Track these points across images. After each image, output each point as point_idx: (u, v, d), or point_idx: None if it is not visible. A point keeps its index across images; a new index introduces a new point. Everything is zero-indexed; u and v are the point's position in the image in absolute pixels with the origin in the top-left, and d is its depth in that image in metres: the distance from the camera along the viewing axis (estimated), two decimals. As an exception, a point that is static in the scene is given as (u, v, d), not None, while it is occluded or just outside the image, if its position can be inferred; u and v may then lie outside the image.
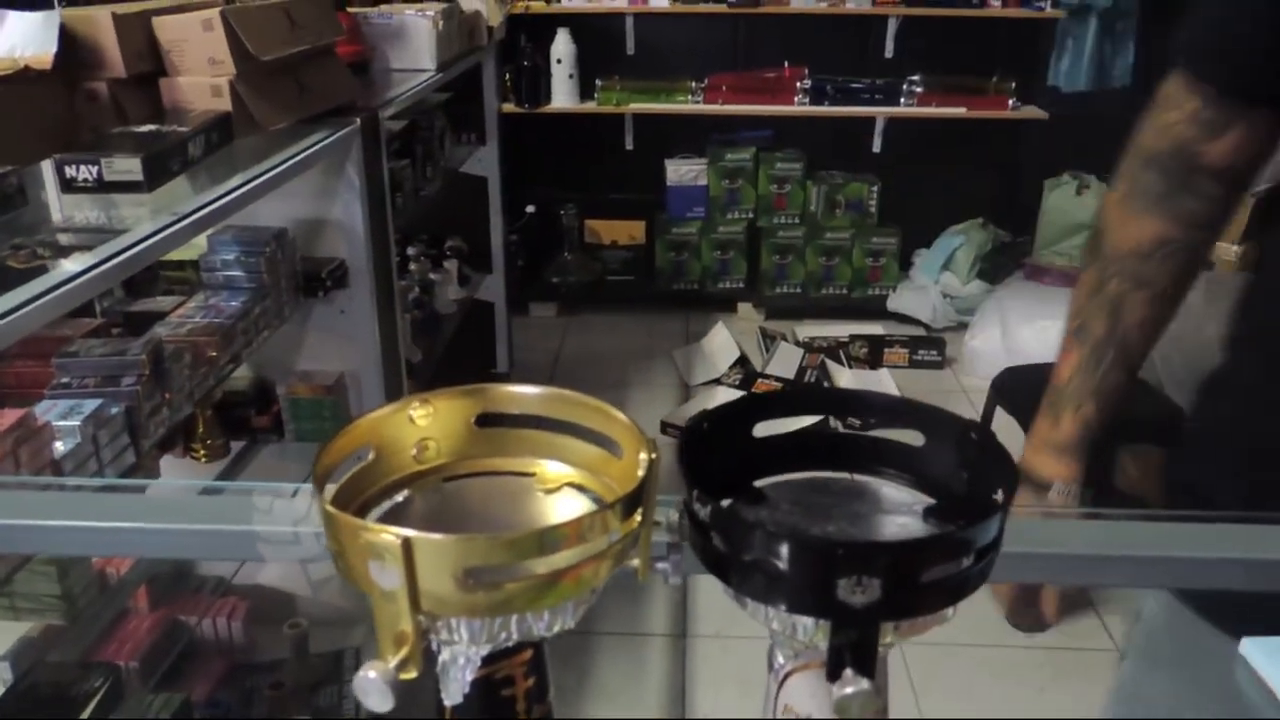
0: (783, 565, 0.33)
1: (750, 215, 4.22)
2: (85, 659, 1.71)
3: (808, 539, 0.32)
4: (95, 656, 1.80)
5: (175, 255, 2.01)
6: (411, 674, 0.34)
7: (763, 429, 0.44)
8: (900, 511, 0.40)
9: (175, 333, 1.57)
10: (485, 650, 0.37)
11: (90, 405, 1.27)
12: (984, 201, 4.17)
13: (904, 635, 0.35)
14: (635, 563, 0.39)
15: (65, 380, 1.34)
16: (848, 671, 0.33)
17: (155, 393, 1.39)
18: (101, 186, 1.35)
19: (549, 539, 0.33)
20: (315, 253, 2.03)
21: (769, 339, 3.84)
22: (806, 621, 0.35)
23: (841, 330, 3.85)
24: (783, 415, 0.42)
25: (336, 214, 2.01)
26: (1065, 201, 3.90)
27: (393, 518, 0.40)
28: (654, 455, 0.37)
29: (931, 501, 0.40)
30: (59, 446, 1.22)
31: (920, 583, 0.33)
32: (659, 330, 3.98)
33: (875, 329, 3.90)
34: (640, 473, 0.37)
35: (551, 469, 0.42)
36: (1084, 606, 2.36)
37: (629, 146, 4.24)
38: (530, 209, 4.22)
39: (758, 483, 0.41)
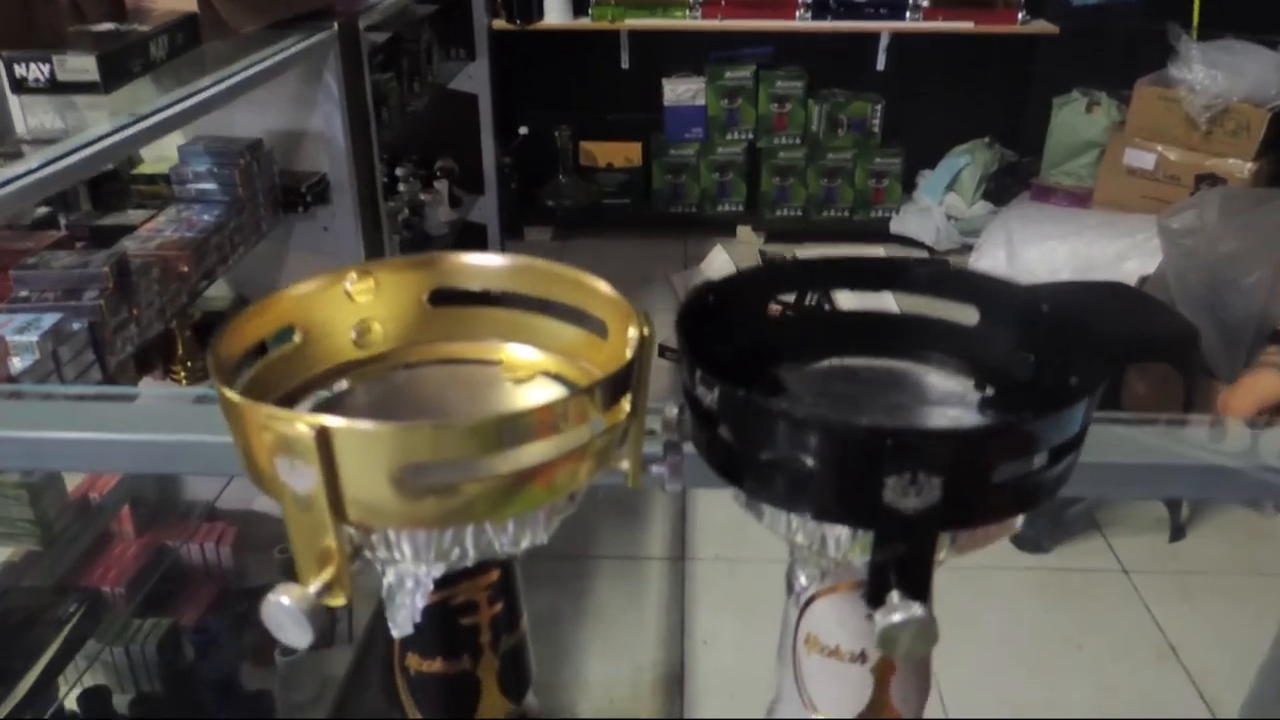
0: (813, 461, 0.25)
1: (750, 136, 4.09)
2: (66, 584, 1.66)
3: (847, 427, 0.25)
4: (79, 582, 1.75)
5: (147, 168, 1.91)
6: (339, 600, 0.27)
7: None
8: (949, 402, 0.32)
9: (144, 246, 1.49)
10: (439, 571, 0.30)
11: (50, 320, 1.19)
12: (990, 120, 4.05)
13: (962, 550, 0.28)
14: (624, 465, 0.31)
15: (24, 294, 1.26)
16: (894, 595, 0.26)
17: (121, 308, 1.31)
18: (54, 87, 1.25)
19: (512, 429, 0.26)
20: (295, 166, 1.94)
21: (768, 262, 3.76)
22: (840, 533, 0.27)
23: (843, 253, 3.76)
24: (805, 288, 0.34)
25: (316, 125, 1.91)
26: (1074, 119, 3.78)
27: (326, 412, 0.32)
28: (646, 331, 0.30)
29: (987, 391, 0.33)
30: (15, 363, 1.14)
31: (990, 483, 0.26)
32: (656, 254, 3.88)
33: (877, 252, 3.81)
34: (629, 352, 0.29)
35: (522, 355, 0.35)
36: (1089, 527, 2.32)
37: (624, 65, 4.09)
38: (523, 130, 4.10)
39: (774, 370, 0.34)
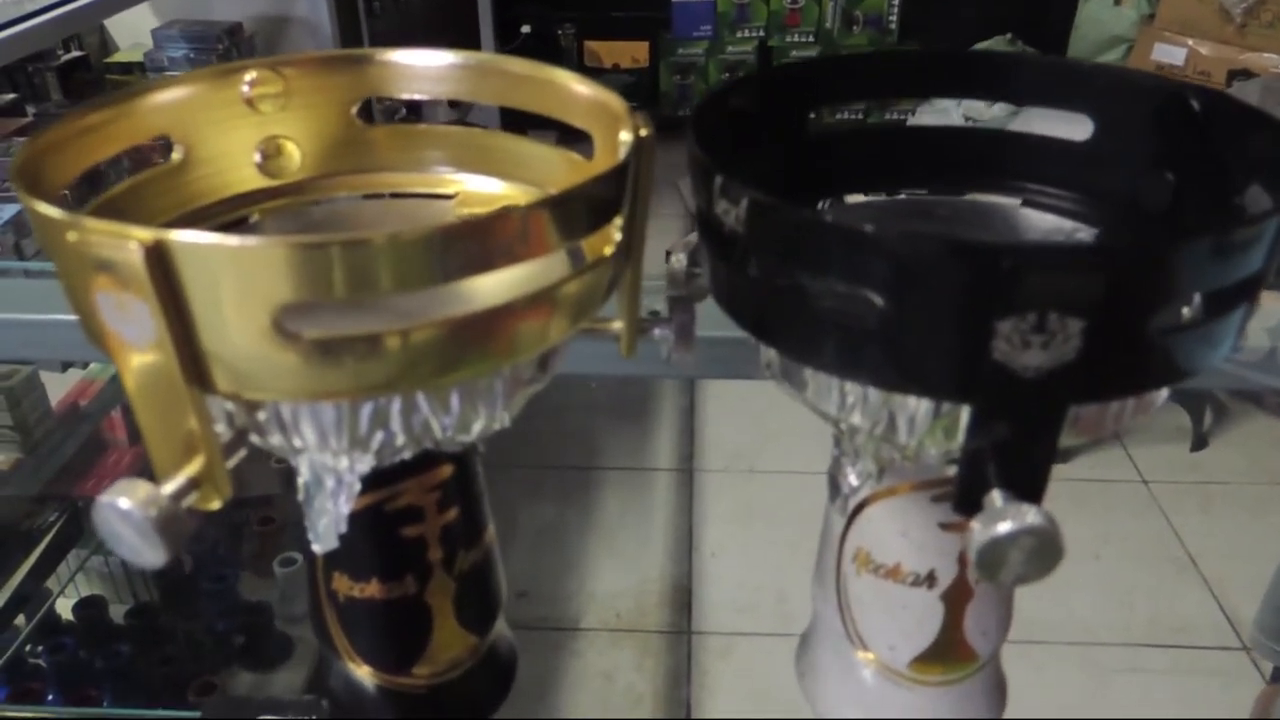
0: (884, 300, 0.17)
1: (761, 33, 3.92)
2: (50, 493, 1.61)
3: (942, 245, 0.17)
4: (72, 490, 1.70)
5: (121, 57, 1.81)
6: (212, 502, 0.19)
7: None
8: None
9: (115, 137, 1.39)
10: (366, 465, 0.22)
11: (10, 210, 1.11)
12: (1013, 16, 3.86)
13: (1082, 434, 0.20)
14: (615, 325, 0.23)
15: (-16, 185, 1.17)
16: (996, 496, 0.18)
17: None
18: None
19: (450, 248, 0.18)
20: (279, 54, 1.82)
21: (779, 166, 3.64)
22: (917, 409, 0.19)
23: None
24: (858, 98, 0.26)
25: (300, 11, 1.80)
26: (1101, 12, 3.60)
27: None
28: (645, 133, 0.21)
29: (1099, 229, 0.24)
30: (-25, 257, 1.06)
31: (1146, 333, 0.17)
32: (663, 159, 3.66)
33: (893, 154, 3.68)
34: (620, 155, 0.21)
35: (480, 187, 0.26)
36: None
37: (631, -44, 3.90)
38: (525, 29, 3.93)
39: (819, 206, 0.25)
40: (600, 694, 1.64)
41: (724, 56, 3.87)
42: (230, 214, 0.25)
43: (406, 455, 0.22)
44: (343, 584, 0.24)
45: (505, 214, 0.18)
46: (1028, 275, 0.16)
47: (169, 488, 0.18)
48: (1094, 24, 3.61)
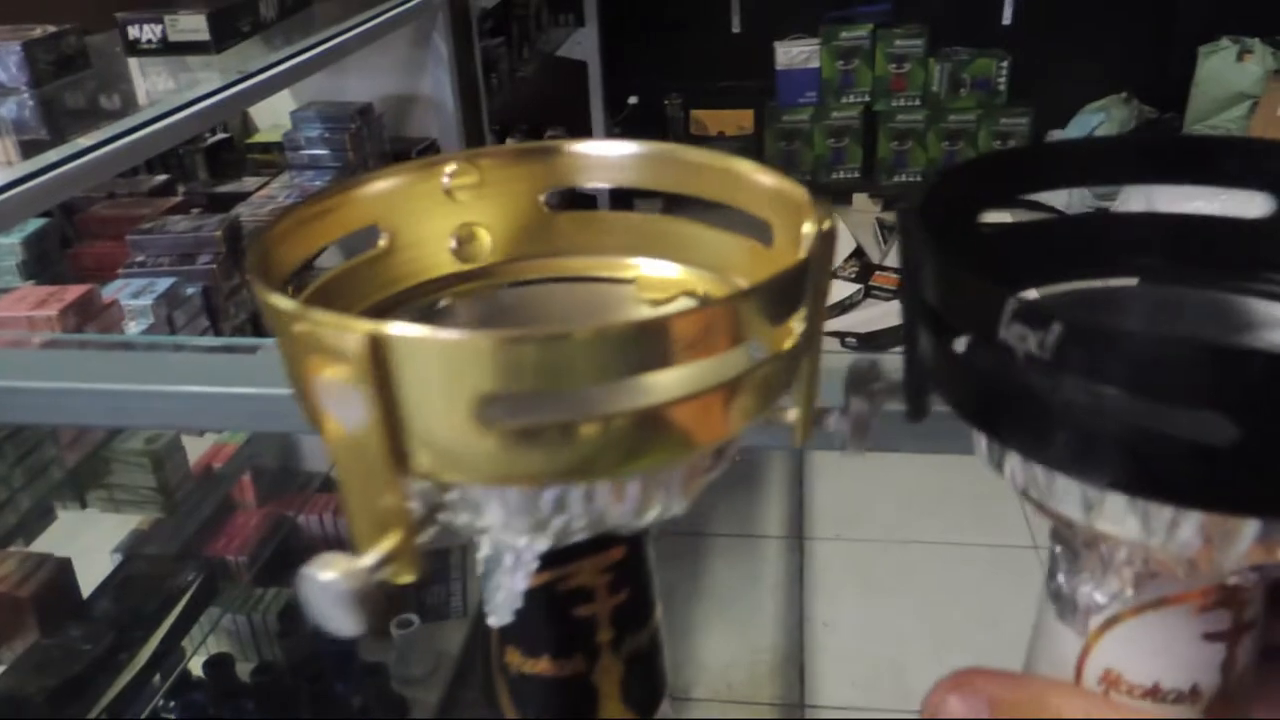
0: (1234, 422, 0.16)
1: (866, 99, 3.93)
2: (188, 553, 1.68)
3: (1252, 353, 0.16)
4: (204, 550, 1.77)
5: (262, 137, 1.92)
6: (406, 577, 0.20)
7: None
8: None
9: (257, 212, 1.47)
10: (544, 544, 0.22)
11: (164, 284, 1.18)
12: (1128, 73, 3.78)
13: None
14: (789, 415, 0.23)
15: (140, 259, 1.25)
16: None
17: (235, 273, 1.30)
18: (167, 48, 1.24)
19: (636, 342, 0.18)
20: (405, 132, 1.91)
21: (886, 230, 3.61)
22: (1241, 531, 0.19)
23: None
24: (1049, 183, 0.25)
25: (426, 90, 1.88)
26: (1224, 69, 3.49)
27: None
28: (828, 225, 0.22)
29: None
30: (131, 327, 1.13)
31: None
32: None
33: (1003, 218, 3.59)
34: (802, 252, 0.21)
35: (660, 272, 0.27)
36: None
37: (735, 29, 3.98)
38: (633, 100, 4.03)
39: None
40: (714, 769, 1.60)
41: (829, 122, 3.88)
42: (426, 298, 0.26)
43: (577, 537, 0.22)
44: (515, 658, 0.25)
45: (695, 313, 0.18)
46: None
47: (367, 560, 0.19)
48: (1215, 81, 3.51)
